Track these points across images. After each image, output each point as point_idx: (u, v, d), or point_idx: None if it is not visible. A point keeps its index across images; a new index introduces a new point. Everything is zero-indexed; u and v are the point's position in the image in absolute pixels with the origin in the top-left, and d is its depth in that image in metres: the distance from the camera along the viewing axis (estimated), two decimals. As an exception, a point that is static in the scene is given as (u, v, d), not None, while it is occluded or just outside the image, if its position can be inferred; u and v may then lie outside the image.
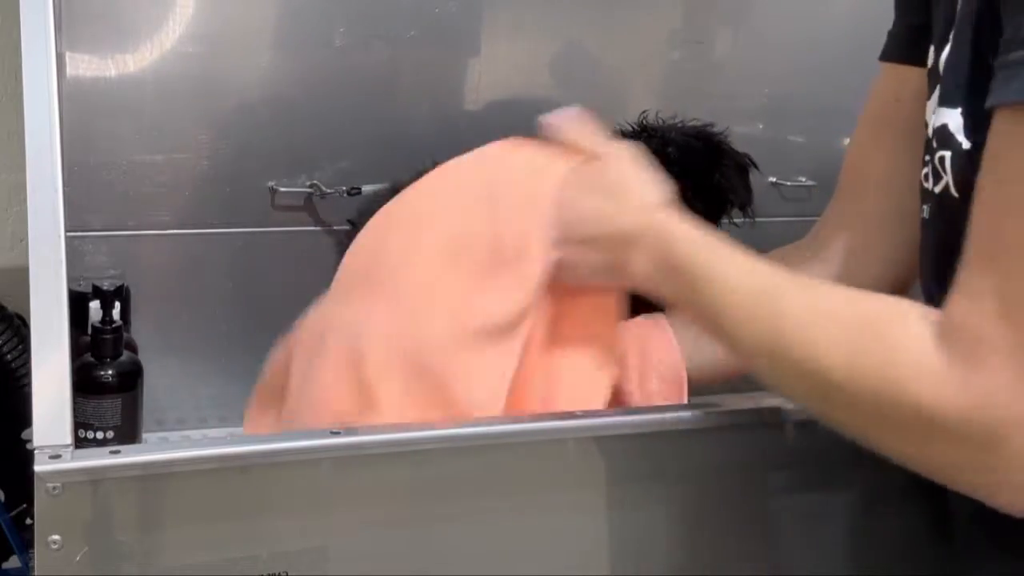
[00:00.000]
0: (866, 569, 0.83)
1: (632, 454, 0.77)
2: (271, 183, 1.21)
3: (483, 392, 0.79)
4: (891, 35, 0.77)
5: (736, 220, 1.13)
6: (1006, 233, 0.59)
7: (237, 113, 1.20)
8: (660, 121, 1.13)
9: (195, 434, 1.23)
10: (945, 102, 0.70)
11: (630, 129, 1.14)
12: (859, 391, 0.63)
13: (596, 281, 0.82)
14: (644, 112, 1.14)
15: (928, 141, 0.72)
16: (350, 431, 0.71)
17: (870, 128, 0.87)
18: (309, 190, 1.22)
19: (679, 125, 1.14)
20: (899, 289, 0.84)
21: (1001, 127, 0.60)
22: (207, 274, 1.22)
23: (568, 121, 0.85)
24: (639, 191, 0.80)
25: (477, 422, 0.80)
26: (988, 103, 0.60)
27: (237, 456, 0.68)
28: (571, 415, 0.77)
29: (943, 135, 0.68)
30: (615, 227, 0.79)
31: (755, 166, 1.15)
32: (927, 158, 0.72)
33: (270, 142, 1.21)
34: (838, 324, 0.65)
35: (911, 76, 0.81)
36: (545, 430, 0.75)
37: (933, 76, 0.74)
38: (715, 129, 1.14)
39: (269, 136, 1.21)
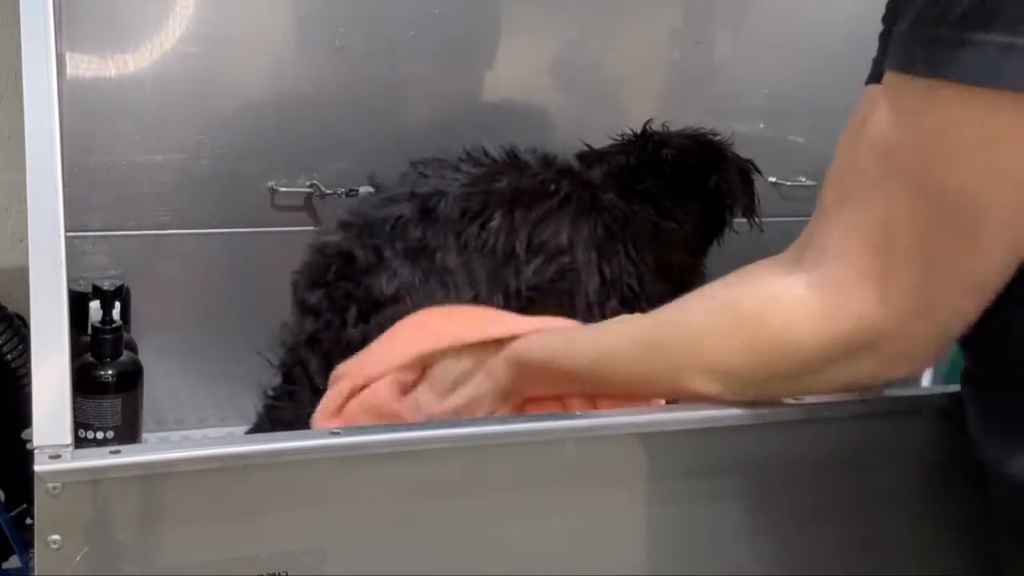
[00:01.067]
0: (867, 570, 0.83)
1: (632, 454, 0.77)
2: (271, 183, 1.21)
3: None
4: (875, 61, 0.79)
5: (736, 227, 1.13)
6: (852, 175, 0.68)
7: (237, 113, 1.20)
8: (664, 128, 1.13)
9: (195, 434, 1.23)
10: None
11: (632, 136, 1.14)
12: (754, 363, 0.73)
13: None
14: (649, 121, 1.14)
15: None
16: (350, 431, 0.71)
17: (851, 147, 0.88)
18: (309, 190, 1.22)
19: (683, 131, 1.14)
20: None
21: (877, 97, 0.68)
22: (207, 274, 1.22)
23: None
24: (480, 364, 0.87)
25: (477, 422, 0.80)
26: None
27: (237, 456, 0.68)
28: (571, 415, 0.77)
29: None
30: (484, 400, 0.87)
31: (758, 171, 1.15)
32: None
33: (270, 142, 1.21)
34: (720, 327, 0.74)
35: None
36: (545, 430, 0.75)
37: None
38: (718, 134, 1.14)
39: (269, 136, 1.21)
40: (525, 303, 1.00)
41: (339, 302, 1.01)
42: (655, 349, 0.78)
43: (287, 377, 1.04)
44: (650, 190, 1.09)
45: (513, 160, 1.07)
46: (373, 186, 1.09)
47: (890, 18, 0.72)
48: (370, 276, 0.99)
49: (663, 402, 0.83)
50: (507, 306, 0.99)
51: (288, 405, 1.02)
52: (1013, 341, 0.70)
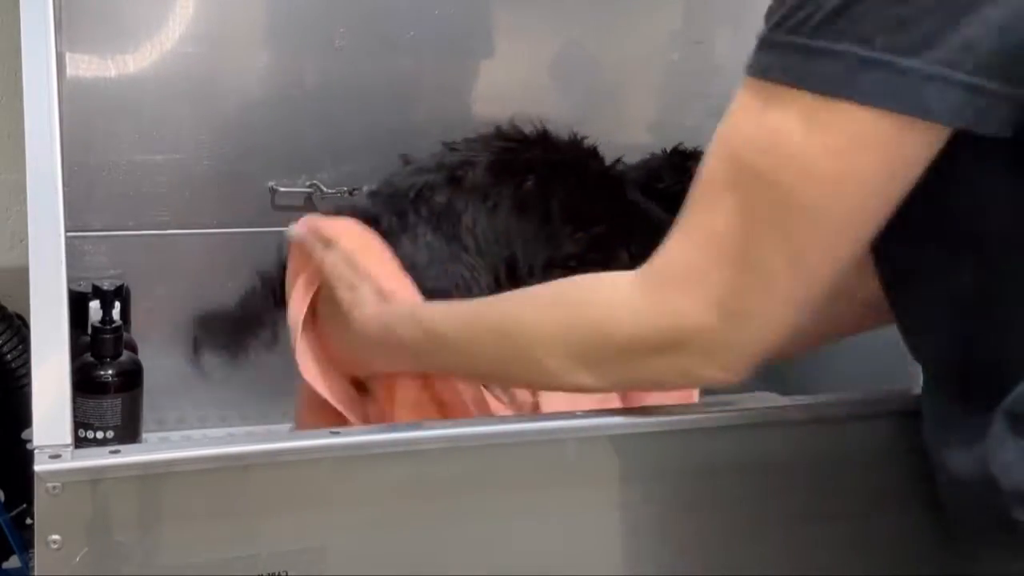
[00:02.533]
0: (866, 570, 0.83)
1: (632, 454, 0.77)
2: (271, 183, 1.21)
3: None
4: None
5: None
6: (705, 177, 0.68)
7: (237, 113, 1.20)
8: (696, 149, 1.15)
9: (195, 434, 1.23)
10: None
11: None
12: (592, 356, 0.72)
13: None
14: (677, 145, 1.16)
15: None
16: (350, 431, 0.71)
17: None
18: (309, 190, 1.22)
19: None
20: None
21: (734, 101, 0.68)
22: (207, 274, 1.22)
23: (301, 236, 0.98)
24: (345, 295, 0.92)
25: (477, 422, 0.80)
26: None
27: (237, 456, 0.68)
28: (571, 415, 0.77)
29: None
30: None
31: None
32: None
33: (270, 142, 1.21)
34: (546, 306, 0.76)
35: None
36: (545, 430, 0.75)
37: None
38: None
39: (269, 136, 1.21)
40: (560, 275, 1.01)
41: None
42: (504, 333, 0.78)
43: None
44: (666, 191, 1.10)
45: (544, 136, 1.09)
46: (405, 163, 1.10)
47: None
48: (392, 239, 1.00)
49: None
50: (546, 276, 1.00)
51: None
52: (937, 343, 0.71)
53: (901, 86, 0.59)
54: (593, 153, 1.11)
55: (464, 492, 0.73)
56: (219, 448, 0.68)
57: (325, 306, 0.96)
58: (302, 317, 0.96)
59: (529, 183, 1.04)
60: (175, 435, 1.22)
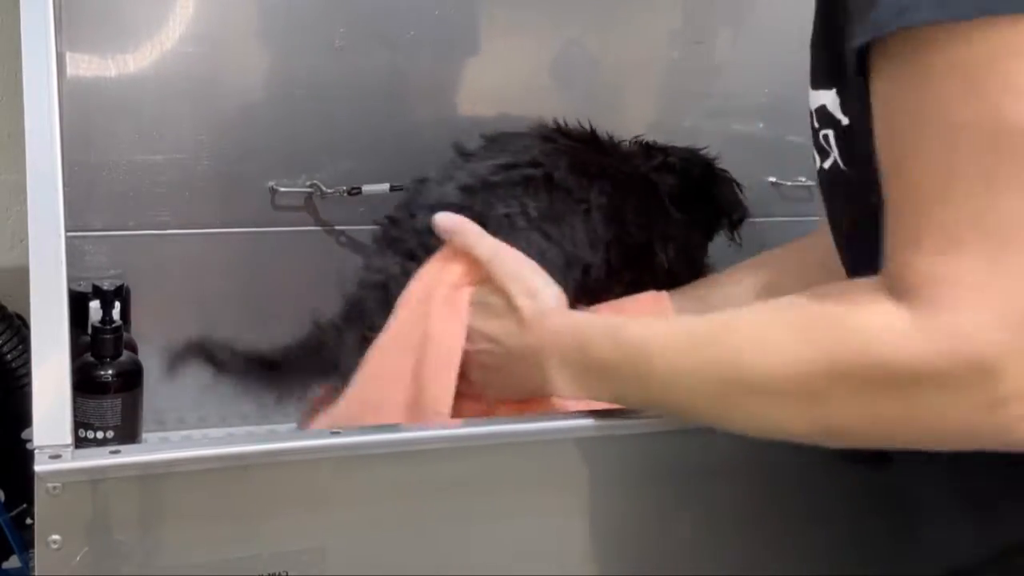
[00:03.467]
0: (861, 569, 0.83)
1: (632, 454, 0.77)
2: (271, 183, 1.21)
3: None
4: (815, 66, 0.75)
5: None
6: (912, 171, 0.56)
7: (237, 113, 1.20)
8: (654, 142, 1.14)
9: (195, 434, 1.23)
10: (816, 83, 0.70)
11: (631, 147, 1.14)
12: (839, 383, 0.59)
13: (521, 398, 0.85)
14: (637, 136, 1.14)
15: (810, 122, 0.71)
16: (350, 431, 0.71)
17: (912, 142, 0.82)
18: (309, 190, 1.22)
19: (672, 147, 1.14)
20: None
21: (876, 65, 0.56)
22: (207, 274, 1.22)
23: (456, 226, 0.89)
24: (526, 302, 0.82)
25: (477, 422, 0.80)
26: (856, 43, 0.57)
27: (237, 456, 0.68)
28: (571, 415, 0.77)
29: (823, 114, 0.68)
30: (516, 348, 0.82)
31: (739, 187, 1.15)
32: (812, 138, 0.72)
33: (270, 142, 1.21)
34: (792, 334, 0.61)
35: None
36: (545, 430, 0.75)
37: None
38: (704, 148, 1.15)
39: (269, 136, 1.20)
40: (617, 285, 1.02)
41: None
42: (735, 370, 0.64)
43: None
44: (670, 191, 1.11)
45: (593, 137, 1.09)
46: (460, 153, 1.06)
47: None
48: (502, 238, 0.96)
49: None
50: (609, 283, 1.00)
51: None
52: None
53: None
54: (632, 156, 1.09)
55: (464, 492, 0.73)
56: (219, 448, 0.68)
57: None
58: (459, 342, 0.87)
59: (607, 187, 1.02)
60: (175, 435, 1.22)
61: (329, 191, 1.21)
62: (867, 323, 0.57)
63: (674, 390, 0.69)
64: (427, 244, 0.95)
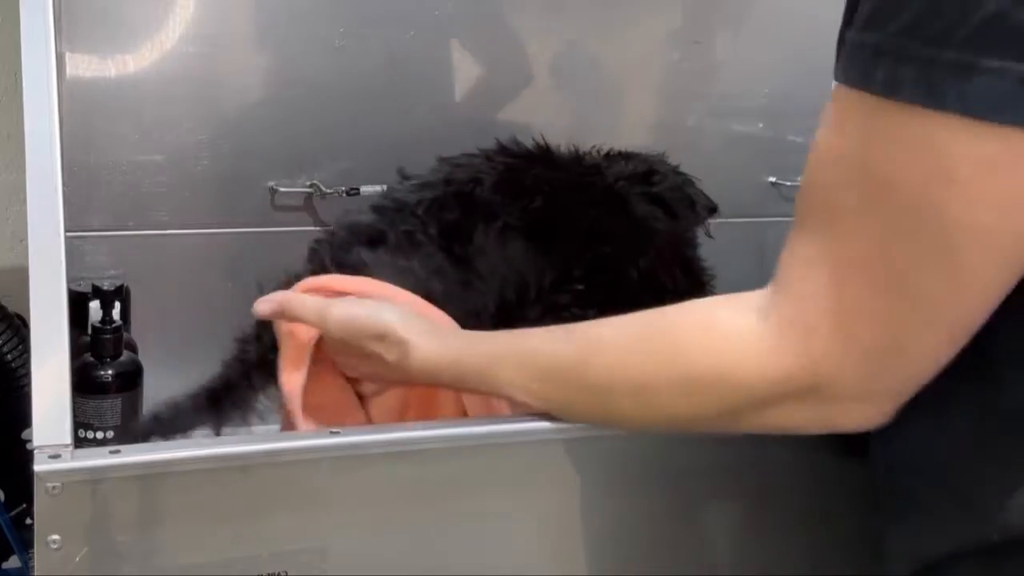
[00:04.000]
0: (859, 569, 0.83)
1: (632, 455, 0.77)
2: (271, 183, 1.21)
3: None
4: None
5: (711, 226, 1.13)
6: (814, 202, 0.62)
7: (237, 113, 1.20)
8: (616, 151, 1.13)
9: (195, 434, 1.22)
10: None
11: (593, 158, 1.13)
12: (703, 398, 0.66)
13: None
14: (596, 146, 1.13)
15: None
16: (350, 431, 0.71)
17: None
18: (309, 190, 1.22)
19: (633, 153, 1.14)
20: None
21: (833, 100, 0.61)
22: (207, 274, 1.22)
23: (273, 308, 0.86)
24: (378, 349, 0.80)
25: (477, 422, 0.80)
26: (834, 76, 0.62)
27: (237, 456, 0.68)
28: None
29: None
30: (397, 381, 0.84)
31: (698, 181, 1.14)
32: None
33: (270, 142, 1.21)
34: (654, 349, 0.68)
35: None
36: (545, 430, 0.75)
37: None
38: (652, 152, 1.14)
39: (269, 136, 1.21)
40: (568, 298, 1.01)
41: None
42: (622, 393, 0.70)
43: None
44: (661, 193, 1.10)
45: (546, 152, 1.07)
46: (403, 177, 1.08)
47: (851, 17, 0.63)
48: (400, 257, 0.97)
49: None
50: (553, 298, 1.00)
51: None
52: None
53: None
54: (596, 170, 1.08)
55: (464, 492, 0.73)
56: (219, 448, 0.68)
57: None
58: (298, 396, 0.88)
59: (536, 203, 1.02)
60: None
61: (328, 191, 1.22)
62: (724, 336, 0.65)
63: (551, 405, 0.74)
64: (339, 259, 0.97)
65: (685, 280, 1.09)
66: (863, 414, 0.63)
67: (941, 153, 0.56)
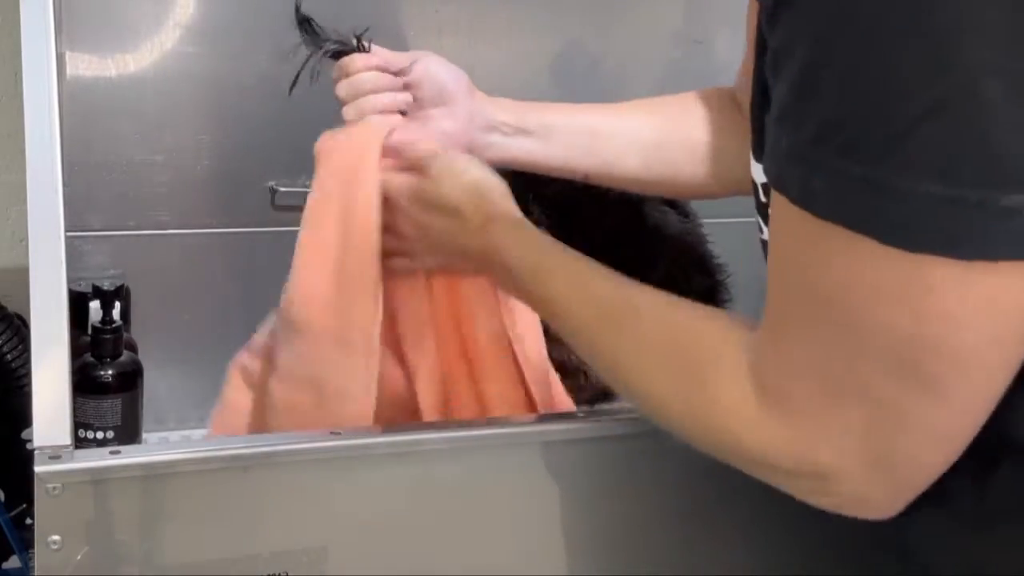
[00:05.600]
0: (857, 569, 0.83)
1: (633, 455, 0.77)
2: (271, 183, 1.21)
3: (352, 400, 0.83)
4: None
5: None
6: (788, 305, 0.58)
7: (237, 113, 1.20)
8: None
9: (195, 434, 1.23)
10: (756, 154, 0.68)
11: None
12: (691, 429, 0.65)
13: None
14: None
15: (755, 195, 0.70)
16: (350, 431, 0.71)
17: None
18: (309, 190, 1.22)
19: None
20: None
21: (773, 199, 0.57)
22: (207, 274, 1.22)
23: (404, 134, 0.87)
24: (470, 207, 0.81)
25: (477, 423, 0.80)
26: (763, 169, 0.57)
27: (237, 456, 0.68)
28: (572, 417, 0.77)
29: (767, 189, 0.63)
30: (454, 247, 0.82)
31: None
32: (757, 209, 0.71)
33: (270, 142, 1.21)
34: (666, 365, 0.65)
35: None
36: (545, 431, 0.75)
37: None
38: None
39: (269, 136, 1.20)
40: None
41: None
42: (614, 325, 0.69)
43: None
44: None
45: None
46: None
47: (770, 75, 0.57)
48: None
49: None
50: None
51: None
52: None
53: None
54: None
55: (464, 492, 0.73)
56: (219, 448, 0.68)
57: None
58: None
59: (550, 217, 1.02)
60: (175, 435, 1.22)
61: (329, 191, 1.21)
62: (723, 395, 0.61)
63: (571, 333, 0.72)
64: None
65: (701, 279, 1.09)
66: (871, 511, 0.60)
67: (875, 272, 0.52)
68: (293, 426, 0.84)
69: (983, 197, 0.48)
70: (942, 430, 0.56)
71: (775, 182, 0.55)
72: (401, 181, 0.85)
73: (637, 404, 0.68)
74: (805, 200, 0.53)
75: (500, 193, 0.82)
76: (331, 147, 0.89)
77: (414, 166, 0.85)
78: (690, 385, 0.64)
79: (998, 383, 0.55)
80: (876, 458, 0.57)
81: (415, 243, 0.86)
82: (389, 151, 0.86)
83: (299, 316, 0.86)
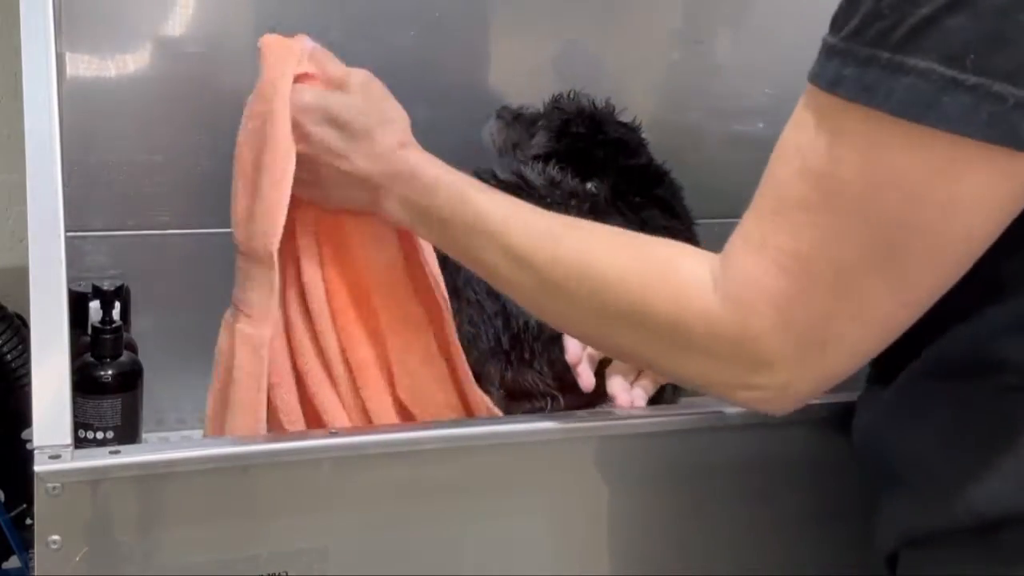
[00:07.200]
0: (857, 569, 0.83)
1: (632, 455, 0.77)
2: (271, 183, 1.21)
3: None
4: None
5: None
6: (788, 193, 0.62)
7: (237, 113, 1.20)
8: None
9: (195, 434, 1.23)
10: None
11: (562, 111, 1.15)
12: (640, 304, 0.68)
13: (353, 208, 0.85)
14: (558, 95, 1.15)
15: None
16: (350, 431, 0.71)
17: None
18: (309, 190, 1.22)
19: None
20: None
21: (800, 100, 0.63)
22: (207, 274, 1.21)
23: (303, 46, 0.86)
24: (380, 130, 0.81)
25: (477, 423, 0.80)
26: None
27: (237, 456, 0.68)
28: (572, 417, 0.77)
29: None
30: (359, 169, 0.81)
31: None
32: None
33: (270, 142, 1.21)
34: (632, 255, 0.70)
35: None
36: (545, 431, 0.75)
37: None
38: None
39: (269, 136, 1.20)
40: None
41: None
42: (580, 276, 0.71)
43: None
44: (661, 195, 1.10)
45: (523, 182, 1.08)
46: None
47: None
48: None
49: None
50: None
51: None
52: None
53: (996, 115, 0.54)
54: (573, 193, 1.09)
55: (464, 492, 0.73)
56: (219, 448, 0.68)
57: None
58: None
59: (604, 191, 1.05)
60: (175, 435, 1.22)
61: (329, 191, 1.21)
62: (679, 277, 0.67)
63: (499, 268, 0.75)
64: None
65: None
66: (781, 398, 0.66)
67: (881, 152, 0.58)
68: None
69: (1005, 91, 0.54)
70: (887, 321, 0.62)
71: (811, 77, 0.61)
72: (309, 93, 0.83)
73: (591, 287, 0.70)
74: (834, 85, 0.59)
75: (404, 130, 0.83)
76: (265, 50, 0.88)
77: (333, 81, 0.83)
78: (647, 266, 0.68)
79: (949, 282, 0.60)
80: (819, 346, 0.62)
81: (314, 180, 0.85)
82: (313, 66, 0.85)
83: (236, 236, 0.90)
